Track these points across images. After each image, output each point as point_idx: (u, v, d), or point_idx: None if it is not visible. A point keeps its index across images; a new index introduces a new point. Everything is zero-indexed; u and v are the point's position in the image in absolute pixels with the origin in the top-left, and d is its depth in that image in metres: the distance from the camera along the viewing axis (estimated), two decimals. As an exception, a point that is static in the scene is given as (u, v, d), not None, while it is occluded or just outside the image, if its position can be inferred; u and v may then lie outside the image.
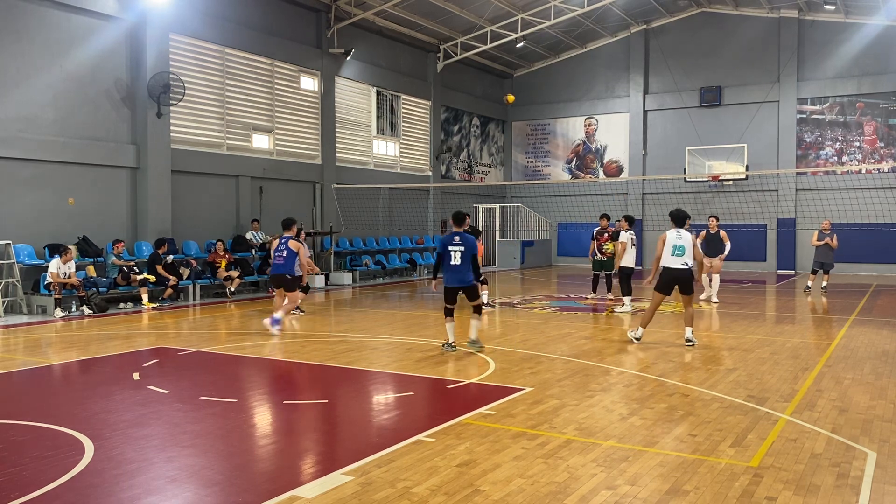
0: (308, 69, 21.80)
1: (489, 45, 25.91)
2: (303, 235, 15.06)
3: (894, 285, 20.84)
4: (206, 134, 18.86)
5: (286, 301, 11.97)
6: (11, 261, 14.29)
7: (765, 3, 26.28)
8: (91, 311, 14.17)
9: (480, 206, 29.20)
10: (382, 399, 7.54)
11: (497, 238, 29.01)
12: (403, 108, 25.99)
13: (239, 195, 19.59)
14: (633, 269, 14.68)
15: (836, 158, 26.04)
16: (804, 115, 26.50)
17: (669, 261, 10.32)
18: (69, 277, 13.99)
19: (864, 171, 25.35)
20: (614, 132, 30.01)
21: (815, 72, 26.25)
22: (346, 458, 5.52)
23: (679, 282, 10.35)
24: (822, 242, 17.98)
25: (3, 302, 14.02)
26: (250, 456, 5.66)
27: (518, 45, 27.34)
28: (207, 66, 18.79)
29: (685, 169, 27.33)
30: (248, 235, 18.99)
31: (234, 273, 17.21)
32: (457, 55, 26.88)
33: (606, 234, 16.12)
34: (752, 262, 26.79)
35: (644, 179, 28.33)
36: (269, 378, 8.74)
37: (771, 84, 26.77)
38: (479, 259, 15.45)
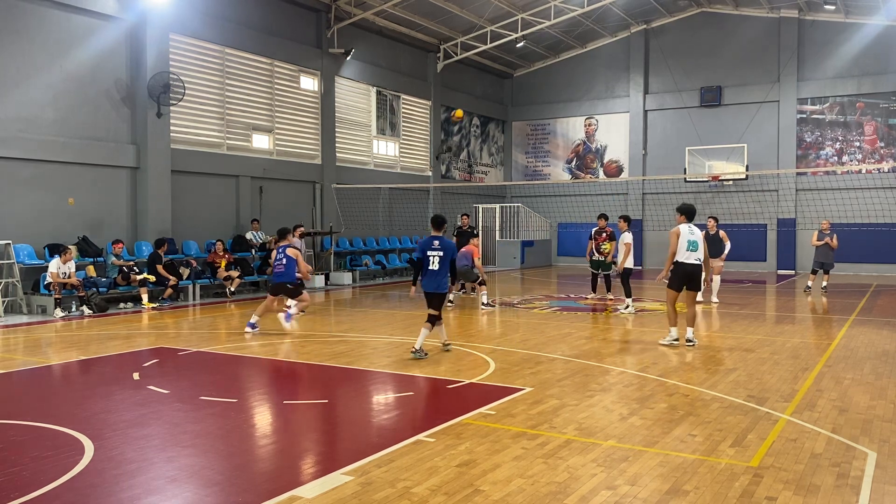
0: (308, 69, 21.80)
1: (489, 45, 25.91)
2: (298, 232, 15.08)
3: (894, 285, 20.84)
4: (206, 134, 18.87)
5: (292, 302, 11.93)
6: (11, 261, 14.29)
7: (765, 3, 26.28)
8: (91, 311, 14.17)
9: (480, 206, 29.20)
10: (382, 399, 7.54)
11: (497, 238, 29.01)
12: (403, 108, 25.99)
13: (239, 195, 19.59)
14: (632, 269, 14.68)
15: (836, 158, 26.04)
16: (804, 115, 26.50)
17: (684, 255, 10.24)
18: (69, 277, 13.99)
19: (864, 171, 25.34)
20: (614, 132, 30.01)
21: (815, 72, 26.24)
22: (346, 458, 5.52)
23: (691, 277, 10.28)
24: (822, 242, 17.98)
25: (3, 302, 14.03)
26: (250, 456, 5.66)
27: (518, 45, 27.35)
28: (207, 66, 18.79)
29: (685, 169, 27.33)
30: (248, 235, 18.99)
31: (234, 273, 17.22)
32: (457, 55, 26.88)
33: (604, 234, 16.12)
34: (752, 262, 26.79)
35: (644, 179, 28.33)
36: (269, 378, 8.74)
37: (771, 84, 26.77)
38: (478, 260, 15.46)
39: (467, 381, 8.08)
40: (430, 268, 9.56)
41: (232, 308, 15.38)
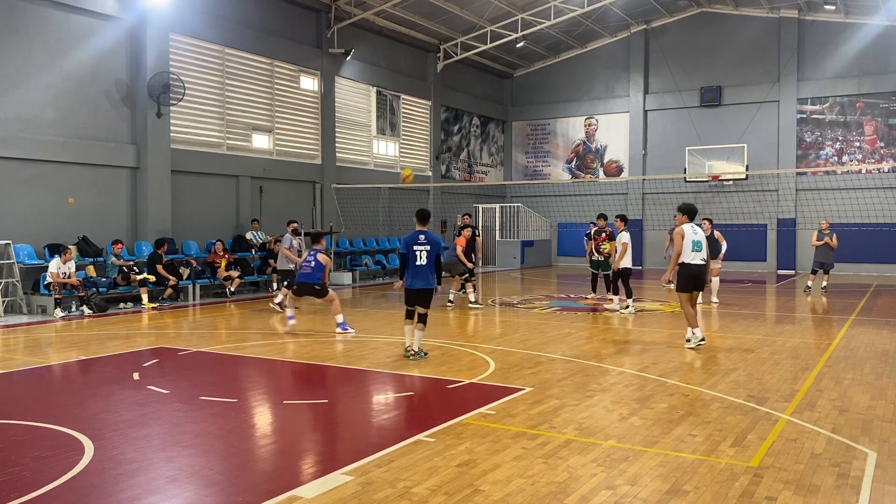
0: (308, 69, 21.80)
1: (489, 45, 25.91)
2: (291, 228, 15.10)
3: (894, 285, 20.84)
4: (206, 134, 18.87)
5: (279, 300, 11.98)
6: (11, 261, 14.29)
7: (765, 3, 26.28)
8: (91, 311, 14.17)
9: (480, 206, 29.20)
10: (382, 399, 7.54)
11: (497, 238, 29.02)
12: (403, 108, 25.99)
13: (239, 195, 19.59)
14: (631, 269, 14.66)
15: (836, 158, 26.04)
16: (804, 115, 26.50)
17: (689, 256, 10.16)
18: (69, 277, 13.99)
19: (864, 171, 25.34)
20: (614, 132, 30.01)
21: (815, 72, 26.25)
22: (346, 458, 5.52)
23: (697, 278, 10.21)
24: (822, 242, 17.98)
25: (3, 302, 14.03)
26: (250, 456, 5.66)
27: (518, 45, 27.35)
28: (207, 66, 18.79)
29: (685, 169, 27.33)
30: (248, 235, 18.99)
31: (234, 273, 17.21)
32: (457, 55, 26.88)
33: (604, 234, 16.12)
34: (752, 262, 26.79)
35: (644, 179, 28.33)
36: (269, 378, 8.74)
37: (771, 84, 26.77)
38: (479, 256, 15.47)
39: (467, 381, 8.08)
40: (418, 263, 9.27)
41: (232, 308, 15.38)
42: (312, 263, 11.71)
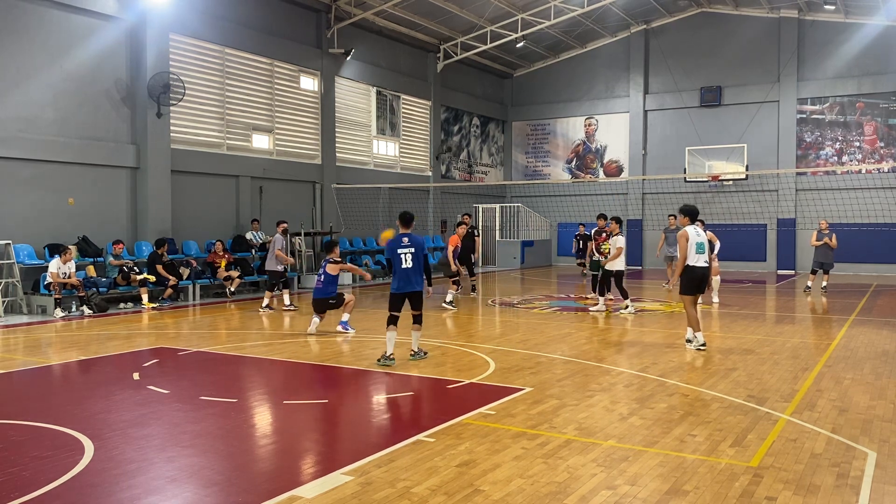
0: (308, 69, 21.80)
1: (489, 45, 25.91)
2: (280, 228, 15.06)
3: (894, 285, 20.84)
4: (206, 134, 18.87)
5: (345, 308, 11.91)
6: (11, 261, 14.29)
7: (765, 3, 26.28)
8: (91, 311, 14.17)
9: (480, 206, 29.20)
10: (382, 399, 7.54)
11: (497, 238, 29.02)
12: (403, 108, 25.99)
13: (239, 195, 19.59)
14: (624, 271, 14.54)
15: (836, 158, 26.04)
16: (804, 115, 26.50)
17: (693, 259, 10.08)
18: (69, 277, 13.98)
19: (864, 171, 25.35)
20: (614, 132, 30.01)
21: (815, 72, 26.25)
22: (346, 458, 5.52)
23: (702, 280, 10.12)
24: (822, 242, 17.98)
25: (3, 302, 14.03)
26: (250, 456, 5.66)
27: (518, 45, 27.34)
28: (207, 66, 18.79)
29: (685, 169, 27.33)
30: (248, 235, 18.99)
31: (234, 273, 17.21)
32: (457, 55, 26.89)
33: (604, 234, 16.09)
34: (752, 262, 26.80)
35: (644, 179, 28.33)
36: (269, 378, 8.74)
37: (771, 84, 26.77)
38: (477, 256, 15.44)
39: (467, 381, 8.08)
40: (404, 266, 9.05)
41: (232, 308, 15.38)
42: (322, 277, 11.66)
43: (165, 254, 15.89)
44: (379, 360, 9.00)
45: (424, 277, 9.36)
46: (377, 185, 23.93)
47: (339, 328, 11.73)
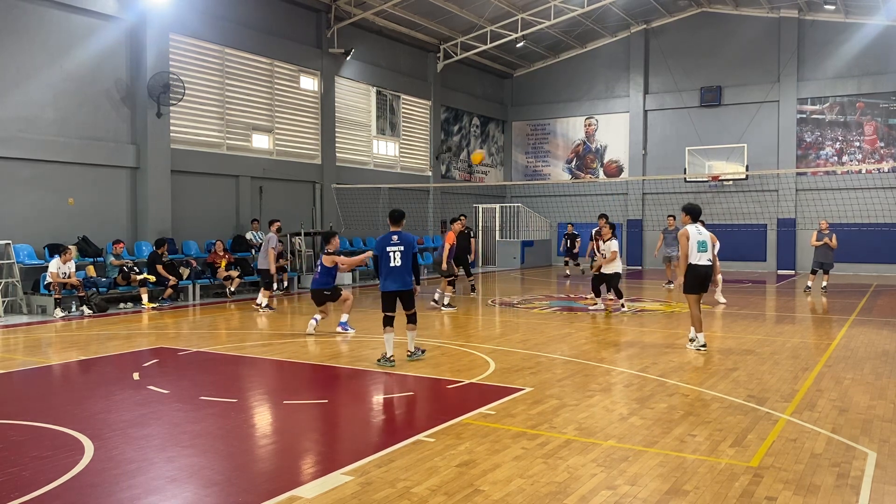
0: (308, 69, 21.80)
1: (489, 45, 25.91)
2: (274, 227, 15.03)
3: (894, 285, 20.84)
4: (206, 134, 18.87)
5: (344, 306, 11.82)
6: (11, 261, 14.29)
7: (765, 3, 26.28)
8: (91, 311, 14.17)
9: (480, 206, 29.21)
10: (382, 399, 7.54)
11: (497, 238, 29.01)
12: (403, 108, 25.99)
13: (239, 195, 19.59)
14: (620, 273, 14.36)
15: (836, 158, 26.04)
16: (804, 115, 26.50)
17: (696, 257, 10.04)
18: (69, 277, 13.98)
19: (864, 171, 25.35)
20: (614, 132, 30.01)
21: (815, 72, 26.25)
22: (346, 458, 5.52)
23: (705, 278, 10.09)
24: (822, 243, 17.98)
25: (3, 302, 14.03)
26: (250, 456, 5.66)
27: (518, 45, 27.35)
28: (207, 66, 18.79)
29: (685, 169, 27.33)
30: (248, 235, 18.99)
31: (234, 273, 17.21)
32: (457, 55, 26.89)
33: (605, 234, 16.08)
34: (752, 262, 26.80)
35: (644, 179, 28.33)
36: (269, 378, 8.74)
37: (771, 84, 26.77)
38: (473, 257, 15.25)
39: (467, 381, 8.08)
40: (392, 264, 8.97)
41: (232, 308, 15.38)
42: (319, 268, 11.64)
43: (166, 254, 15.89)
44: (379, 361, 8.98)
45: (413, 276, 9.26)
46: (377, 186, 23.93)
47: (339, 329, 11.73)
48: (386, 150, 25.38)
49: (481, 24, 25.37)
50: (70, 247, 14.48)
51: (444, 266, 14.99)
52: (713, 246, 15.55)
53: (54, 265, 13.86)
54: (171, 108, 17.33)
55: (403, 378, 8.34)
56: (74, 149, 15.76)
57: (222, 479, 5.06)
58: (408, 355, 9.23)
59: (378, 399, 7.56)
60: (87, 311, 14.13)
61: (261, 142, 20.42)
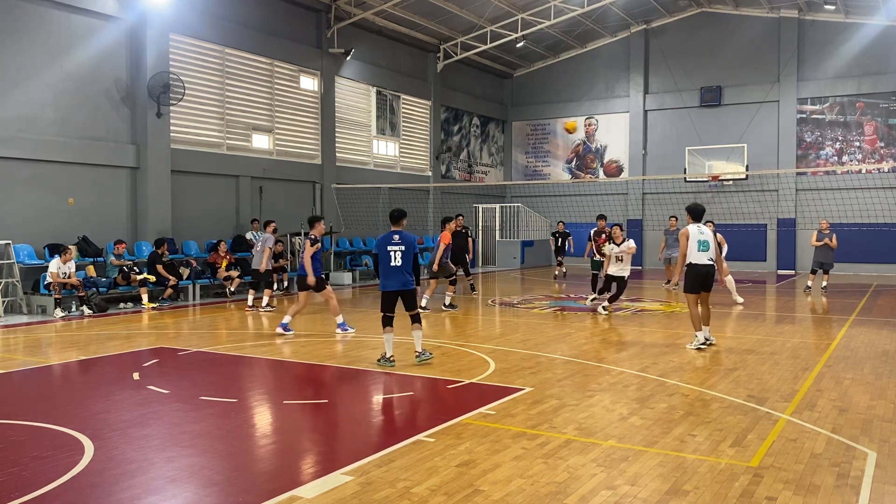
0: (308, 69, 21.80)
1: (489, 45, 25.91)
2: (270, 228, 15.01)
3: (894, 285, 20.84)
4: (206, 134, 18.87)
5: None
6: (11, 261, 14.29)
7: (765, 3, 26.28)
8: (91, 311, 14.17)
9: (480, 206, 29.21)
10: (382, 399, 7.54)
11: (497, 238, 29.01)
12: (403, 108, 25.99)
13: (239, 195, 19.59)
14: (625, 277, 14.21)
15: (836, 158, 26.04)
16: (804, 115, 26.50)
17: (696, 257, 10.02)
18: (69, 277, 13.98)
19: (864, 171, 25.35)
20: (614, 132, 30.01)
21: (815, 72, 26.25)
22: (346, 458, 5.52)
23: (707, 277, 10.09)
24: (822, 243, 17.97)
25: (3, 302, 14.03)
26: (250, 456, 5.66)
27: (518, 45, 27.35)
28: (207, 66, 18.79)
29: (685, 169, 27.33)
30: (248, 235, 18.98)
31: (234, 273, 17.21)
32: (457, 55, 26.89)
33: (604, 235, 16.07)
34: (752, 262, 26.79)
35: (644, 179, 28.34)
36: (269, 378, 8.74)
37: (771, 84, 26.77)
38: (471, 257, 14.91)
39: (467, 381, 8.08)
40: (392, 264, 8.90)
41: (232, 308, 15.38)
42: (302, 254, 11.53)
43: (166, 254, 15.89)
44: (378, 361, 8.96)
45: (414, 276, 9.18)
46: (377, 185, 23.93)
47: (338, 331, 11.70)
48: (386, 150, 25.38)
49: (481, 24, 25.37)
50: (70, 247, 14.48)
51: (435, 267, 14.64)
52: (721, 247, 15.59)
53: (54, 265, 13.86)
54: (171, 108, 17.33)
55: (403, 378, 8.34)
56: (74, 149, 15.76)
57: (222, 479, 5.06)
58: (416, 356, 9.06)
59: (378, 399, 7.56)
60: (87, 311, 14.13)
61: (261, 142, 20.42)
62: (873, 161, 25.43)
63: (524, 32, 25.39)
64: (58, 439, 5.91)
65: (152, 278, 15.33)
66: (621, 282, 13.92)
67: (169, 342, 10.88)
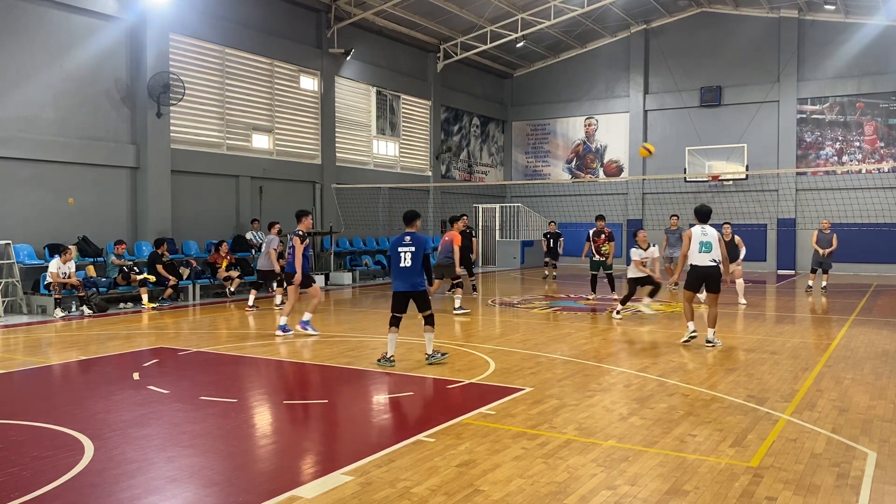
0: (308, 69, 21.80)
1: (489, 45, 25.91)
2: (275, 229, 14.85)
3: (894, 285, 20.84)
4: (206, 134, 18.87)
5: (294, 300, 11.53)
6: (11, 261, 14.29)
7: (765, 3, 26.28)
8: (91, 311, 14.17)
9: (480, 206, 29.21)
10: (382, 399, 7.54)
11: (497, 238, 29.01)
12: (403, 108, 25.99)
13: (239, 195, 19.59)
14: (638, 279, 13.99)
15: (836, 158, 26.04)
16: (804, 115, 26.50)
17: (697, 258, 10.15)
18: (69, 277, 13.98)
19: (864, 171, 25.35)
20: (614, 132, 30.01)
21: (815, 72, 26.25)
22: (346, 458, 5.52)
23: (707, 279, 10.20)
24: (829, 251, 17.84)
25: (3, 302, 14.03)
26: (250, 456, 5.66)
27: (518, 45, 27.35)
28: (207, 66, 18.79)
29: (685, 169, 27.33)
30: (248, 235, 18.99)
31: (234, 273, 17.21)
32: (457, 55, 26.89)
33: (603, 235, 16.09)
34: (752, 261, 26.73)
35: (644, 179, 28.33)
36: (269, 378, 8.74)
37: (771, 84, 26.77)
38: (475, 257, 14.70)
39: (467, 381, 8.08)
40: (402, 265, 8.89)
41: (232, 308, 15.37)
42: (290, 251, 11.33)
43: (166, 254, 15.89)
44: (379, 361, 8.94)
45: (425, 277, 9.13)
46: (377, 185, 23.93)
47: (299, 327, 11.31)
48: (386, 150, 25.38)
49: (481, 24, 25.37)
50: (70, 247, 14.48)
51: (459, 269, 14.37)
52: (739, 249, 15.51)
53: (54, 265, 13.86)
54: (171, 108, 17.33)
55: (403, 378, 8.34)
56: (74, 149, 15.76)
57: (222, 479, 5.06)
58: (426, 358, 9.00)
59: (378, 399, 7.56)
60: (87, 311, 14.13)
61: (261, 142, 20.42)
62: (873, 161, 25.43)
63: (524, 32, 25.39)
64: (58, 439, 5.91)
65: (152, 278, 15.33)
66: (647, 280, 13.39)
67: (169, 342, 10.88)
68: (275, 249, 14.50)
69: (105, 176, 16.49)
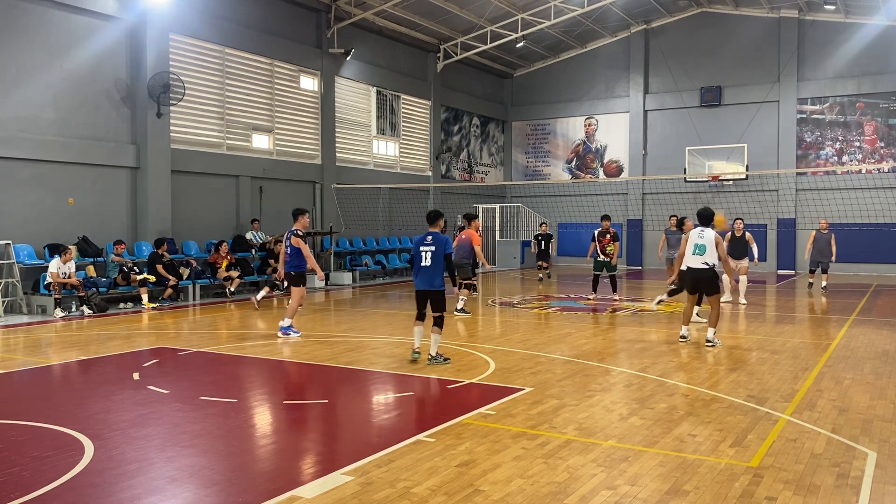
0: (308, 69, 21.80)
1: (489, 45, 25.92)
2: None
3: (894, 285, 20.83)
4: (206, 134, 18.87)
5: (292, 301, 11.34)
6: (11, 261, 14.29)
7: (765, 3, 26.28)
8: (91, 311, 14.17)
9: (480, 206, 29.19)
10: (382, 399, 7.54)
11: (497, 238, 29.01)
12: (403, 108, 25.99)
13: (239, 195, 19.59)
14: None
15: (836, 158, 26.04)
16: (804, 115, 26.50)
17: (689, 260, 10.33)
18: (69, 277, 13.98)
19: (864, 171, 25.35)
20: (614, 132, 30.01)
21: (815, 72, 26.25)
22: (346, 458, 5.51)
23: (700, 281, 10.28)
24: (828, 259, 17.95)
25: (3, 302, 14.03)
26: (250, 456, 5.65)
27: (518, 45, 27.35)
28: (207, 66, 18.79)
29: (685, 169, 27.33)
30: (248, 235, 18.99)
31: (234, 273, 17.21)
32: (457, 55, 26.89)
33: (608, 236, 16.09)
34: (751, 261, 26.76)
35: (644, 179, 28.34)
36: (269, 378, 8.74)
37: (771, 84, 26.77)
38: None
39: (467, 381, 8.08)
40: (423, 264, 9.07)
41: (232, 308, 15.38)
42: (289, 250, 11.20)
43: (166, 254, 15.89)
44: (414, 357, 9.08)
45: (448, 277, 9.24)
46: (377, 185, 23.94)
47: (280, 335, 11.13)
48: (386, 150, 25.38)
49: (481, 24, 25.37)
50: (70, 247, 14.48)
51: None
52: (750, 246, 15.59)
53: (54, 265, 13.86)
54: (171, 108, 17.33)
55: (403, 378, 8.34)
56: (74, 149, 15.76)
57: (222, 479, 5.06)
58: (428, 359, 9.02)
59: (378, 399, 7.56)
60: (87, 311, 14.13)
61: (261, 142, 20.42)
62: (873, 161, 25.43)
63: (524, 32, 25.40)
64: (58, 439, 5.91)
65: (152, 278, 15.33)
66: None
67: (169, 342, 10.88)
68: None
69: (105, 176, 16.49)
